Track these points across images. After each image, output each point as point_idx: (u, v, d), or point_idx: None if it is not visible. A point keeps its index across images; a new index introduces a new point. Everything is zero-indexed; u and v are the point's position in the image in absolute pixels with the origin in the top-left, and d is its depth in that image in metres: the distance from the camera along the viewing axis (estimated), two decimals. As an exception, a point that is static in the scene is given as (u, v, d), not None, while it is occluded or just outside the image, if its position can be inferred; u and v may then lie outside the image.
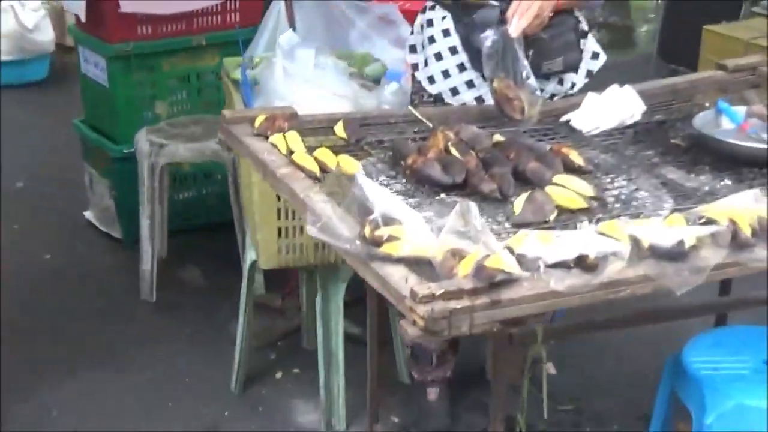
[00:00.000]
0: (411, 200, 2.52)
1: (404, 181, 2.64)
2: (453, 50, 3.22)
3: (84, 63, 4.82)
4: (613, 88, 3.07)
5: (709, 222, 2.29)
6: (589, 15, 9.63)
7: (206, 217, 4.85)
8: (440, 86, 3.25)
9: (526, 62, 2.95)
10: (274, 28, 3.91)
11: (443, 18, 3.22)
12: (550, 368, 3.78)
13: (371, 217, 2.19)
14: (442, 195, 2.55)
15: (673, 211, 2.47)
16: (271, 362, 3.99)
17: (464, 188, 2.57)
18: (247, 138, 2.78)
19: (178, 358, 4.00)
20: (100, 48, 4.60)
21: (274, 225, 3.27)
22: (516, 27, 2.93)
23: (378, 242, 2.16)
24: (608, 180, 2.70)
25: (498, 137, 2.86)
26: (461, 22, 3.17)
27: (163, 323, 4.24)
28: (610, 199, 2.58)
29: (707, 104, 3.18)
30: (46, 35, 7.23)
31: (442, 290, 2.02)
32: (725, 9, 6.20)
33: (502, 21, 2.99)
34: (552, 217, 2.41)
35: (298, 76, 3.29)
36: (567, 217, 2.44)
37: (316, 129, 2.93)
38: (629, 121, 3.03)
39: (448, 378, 3.65)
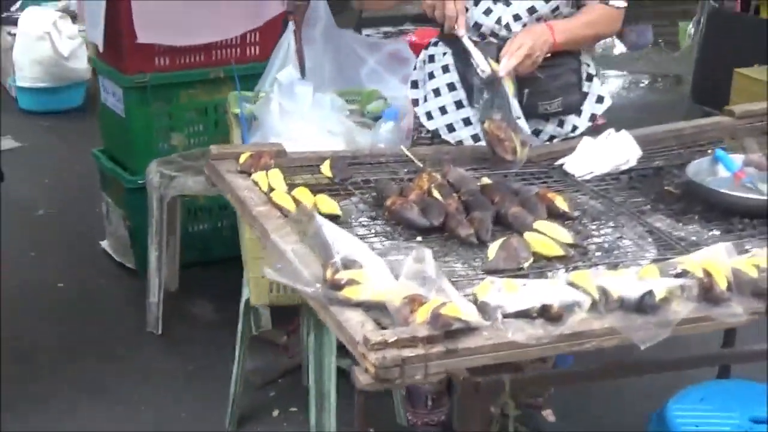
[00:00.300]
0: (387, 243, 2.49)
1: (384, 222, 2.59)
2: (451, 87, 3.19)
3: (104, 92, 4.85)
4: (609, 133, 3.01)
5: (684, 274, 2.23)
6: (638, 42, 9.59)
7: (221, 250, 4.81)
8: (437, 122, 3.22)
9: (516, 103, 2.91)
10: (282, 63, 3.90)
11: (444, 54, 3.20)
12: (549, 415, 3.71)
13: (332, 260, 2.15)
14: (419, 238, 2.50)
15: (654, 261, 2.41)
16: (270, 400, 3.95)
17: (443, 231, 2.53)
18: (230, 175, 2.76)
19: (177, 394, 3.97)
20: (117, 78, 4.62)
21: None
22: (504, 66, 2.89)
23: (338, 286, 2.12)
24: (594, 227, 2.65)
25: (486, 180, 2.82)
26: (461, 59, 3.13)
27: (167, 357, 4.22)
28: (592, 247, 2.53)
29: (709, 151, 3.11)
30: (82, 63, 7.28)
31: (396, 337, 1.98)
32: (758, 52, 6.08)
33: (498, 59, 2.96)
34: (526, 264, 2.36)
35: (294, 112, 3.27)
36: (543, 265, 2.39)
37: (304, 167, 2.90)
38: (624, 167, 2.98)
39: (443, 422, 3.58)
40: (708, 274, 2.22)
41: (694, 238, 2.59)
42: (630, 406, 3.81)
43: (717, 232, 2.62)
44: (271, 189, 2.65)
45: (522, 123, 2.92)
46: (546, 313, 2.10)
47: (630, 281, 2.20)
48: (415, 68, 3.33)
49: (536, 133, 3.19)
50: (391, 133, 3.38)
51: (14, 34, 7.30)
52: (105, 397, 3.94)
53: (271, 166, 2.77)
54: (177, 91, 4.65)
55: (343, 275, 2.13)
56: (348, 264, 2.18)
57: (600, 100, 3.27)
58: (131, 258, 4.83)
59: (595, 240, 2.56)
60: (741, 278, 2.24)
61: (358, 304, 2.12)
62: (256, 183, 2.69)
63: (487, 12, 3.04)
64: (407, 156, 3.01)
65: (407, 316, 2.05)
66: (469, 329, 2.05)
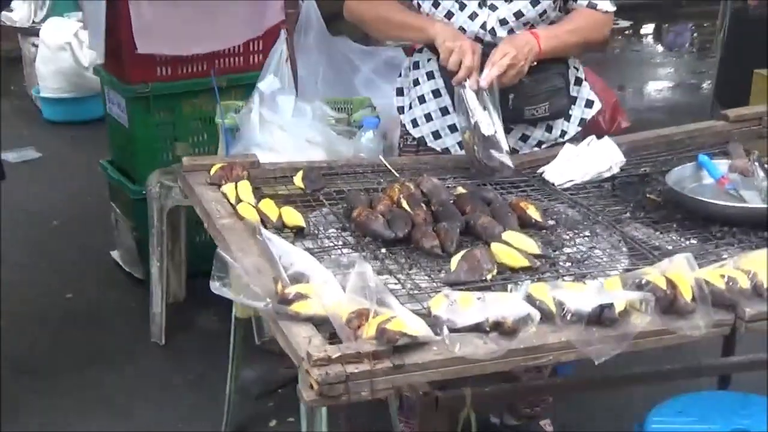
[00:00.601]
0: (354, 255, 2.45)
1: (350, 234, 2.56)
2: (436, 93, 3.13)
3: (109, 103, 4.85)
4: (591, 140, 2.95)
5: (648, 285, 2.17)
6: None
7: (228, 259, 4.77)
8: (423, 130, 3.17)
9: (496, 115, 2.85)
10: (275, 71, 3.86)
11: (429, 60, 3.14)
12: (547, 425, 3.65)
13: (279, 275, 2.12)
14: (383, 250, 2.46)
15: (625, 271, 2.35)
16: (269, 410, 3.92)
17: (409, 243, 2.48)
18: (200, 187, 2.74)
19: (174, 404, 3.96)
20: (120, 88, 4.61)
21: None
22: (486, 77, 2.83)
23: (287, 300, 2.09)
24: (568, 236, 2.59)
25: (460, 189, 2.77)
26: (445, 66, 3.07)
27: (168, 367, 4.21)
28: (563, 258, 2.47)
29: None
30: (104, 74, 7.28)
31: (339, 353, 1.94)
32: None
33: (483, 67, 2.90)
34: (489, 276, 2.31)
35: (273, 123, 3.23)
36: (508, 276, 2.34)
37: (278, 178, 2.87)
38: (607, 174, 2.92)
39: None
40: (673, 285, 2.16)
41: (670, 247, 2.53)
42: (631, 416, 3.72)
43: (694, 241, 2.56)
44: (240, 201, 2.61)
45: (501, 137, 2.85)
46: (499, 327, 2.05)
47: (590, 294, 2.14)
48: (400, 75, 3.28)
49: (524, 138, 3.13)
50: (372, 142, 3.33)
51: (37, 45, 7.32)
52: (104, 406, 3.95)
53: (243, 178, 2.74)
54: (180, 100, 4.62)
55: (292, 290, 2.09)
56: (298, 278, 2.14)
57: (589, 104, 3.20)
58: (139, 268, 4.82)
59: (567, 250, 2.51)
60: (707, 289, 2.17)
61: (308, 319, 2.07)
62: (225, 195, 2.65)
63: (473, 16, 2.98)
64: (386, 166, 2.95)
65: (355, 330, 2.01)
66: (419, 344, 2.00)
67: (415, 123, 3.17)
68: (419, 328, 1.99)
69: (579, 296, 2.12)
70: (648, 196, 2.79)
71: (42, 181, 6.15)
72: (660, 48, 10.70)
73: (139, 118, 4.61)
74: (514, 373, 2.97)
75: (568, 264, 2.44)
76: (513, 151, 3.08)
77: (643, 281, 2.16)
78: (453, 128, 3.11)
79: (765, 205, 2.64)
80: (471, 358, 1.99)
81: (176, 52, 4.50)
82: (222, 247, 2.42)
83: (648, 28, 11.19)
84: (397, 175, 2.88)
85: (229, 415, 3.68)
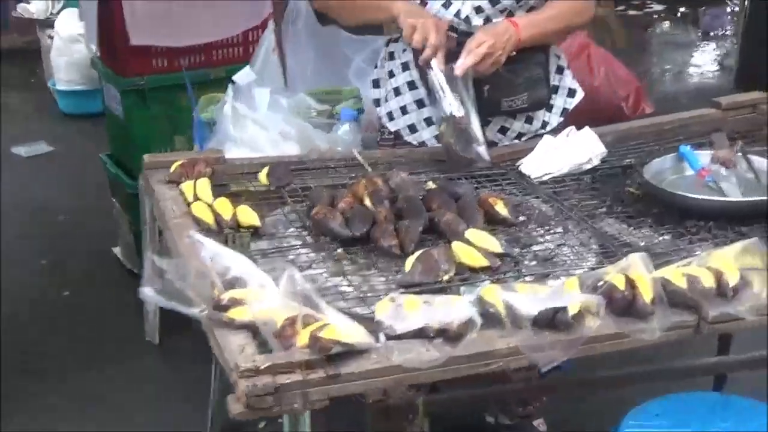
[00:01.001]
0: (311, 255, 2.36)
1: (308, 233, 2.46)
2: (411, 85, 3.02)
3: (106, 96, 4.78)
4: (570, 131, 2.83)
5: (607, 286, 2.05)
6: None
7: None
8: (399, 123, 3.06)
9: (471, 105, 2.74)
10: (263, 63, 3.77)
11: (404, 50, 3.02)
12: (541, 425, 3.54)
13: (214, 280, 2.03)
14: (340, 250, 2.37)
15: (591, 270, 2.24)
16: (259, 411, 3.82)
17: (368, 242, 2.39)
18: (159, 185, 2.65)
19: (161, 405, 3.89)
20: (115, 81, 4.54)
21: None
22: (460, 65, 2.71)
23: (222, 307, 2.00)
24: (539, 233, 2.49)
25: (431, 184, 2.66)
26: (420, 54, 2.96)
27: (160, 367, 4.15)
28: (529, 256, 2.36)
29: (687, 147, 2.91)
30: (118, 65, 7.22)
31: (269, 363, 1.85)
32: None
33: (457, 55, 2.78)
34: (446, 277, 2.20)
35: (247, 117, 3.13)
36: (467, 277, 2.24)
37: (245, 174, 2.78)
38: (587, 166, 2.80)
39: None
40: (632, 285, 2.05)
41: (642, 243, 2.42)
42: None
43: (668, 237, 2.45)
44: (198, 199, 2.52)
45: (476, 127, 2.74)
46: (444, 333, 1.95)
47: (545, 296, 2.03)
48: (376, 66, 3.17)
49: (503, 130, 3.01)
50: (349, 134, 3.23)
51: (53, 37, 7.28)
52: (96, 405, 3.90)
53: (206, 175, 2.65)
54: (177, 93, 4.51)
55: (226, 295, 2.00)
56: (235, 283, 2.05)
57: (572, 93, 3.08)
58: (139, 264, 4.74)
59: (535, 248, 2.41)
60: (668, 289, 2.06)
61: (245, 326, 1.98)
62: (182, 193, 2.56)
63: (447, 4, 2.86)
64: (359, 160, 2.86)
65: (289, 338, 1.92)
66: (357, 352, 1.91)
67: (391, 116, 3.07)
68: (356, 336, 1.90)
69: (532, 299, 2.01)
70: (627, 189, 2.67)
71: (51, 175, 6.10)
72: (695, 32, 10.47)
73: (135, 112, 4.53)
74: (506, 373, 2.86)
75: (533, 263, 2.33)
76: (492, 144, 2.97)
77: (600, 282, 2.05)
78: (429, 121, 3.00)
79: (742, 198, 2.50)
80: (408, 366, 1.88)
81: (171, 43, 4.42)
82: (172, 248, 2.34)
83: (683, 12, 10.97)
84: (369, 169, 2.78)
85: (215, 416, 3.59)
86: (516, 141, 3.02)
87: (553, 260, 2.34)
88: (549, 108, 3.02)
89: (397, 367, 1.90)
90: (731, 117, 3.15)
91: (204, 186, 2.55)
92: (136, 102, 4.51)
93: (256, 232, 2.43)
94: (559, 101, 3.05)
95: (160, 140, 4.58)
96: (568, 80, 3.07)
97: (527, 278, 2.24)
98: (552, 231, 2.48)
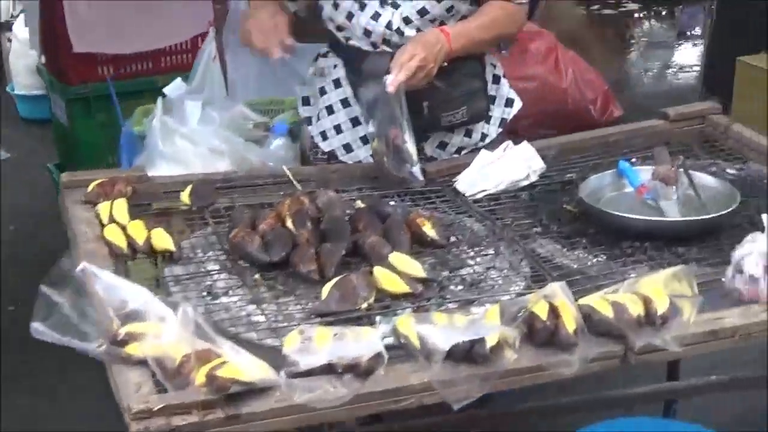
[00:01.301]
0: (230, 281, 2.26)
1: (227, 258, 2.36)
2: (345, 103, 2.90)
3: (53, 104, 4.65)
4: (508, 145, 2.73)
5: (529, 316, 1.96)
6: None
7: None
8: (333, 143, 2.94)
9: (403, 122, 2.63)
10: (203, 73, 3.64)
11: (335, 66, 2.91)
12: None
13: (109, 314, 1.92)
14: (257, 276, 2.26)
15: (518, 296, 2.14)
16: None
17: (288, 267, 2.28)
18: (74, 206, 2.54)
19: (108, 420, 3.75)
20: (60, 90, 4.42)
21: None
22: (392, 82, 2.59)
23: (120, 342, 1.89)
24: (469, 255, 2.38)
25: (360, 204, 2.56)
26: (353, 71, 2.85)
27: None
28: (456, 280, 2.26)
29: (633, 160, 2.82)
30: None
31: (163, 404, 1.75)
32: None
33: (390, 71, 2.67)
34: (365, 305, 2.10)
35: (176, 131, 3.02)
36: (388, 304, 2.14)
37: (169, 193, 2.67)
38: (525, 182, 2.69)
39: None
40: (556, 314, 1.95)
41: (576, 266, 2.32)
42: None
43: (603, 258, 2.35)
44: (114, 221, 2.41)
45: (410, 147, 2.63)
46: (354, 368, 1.85)
47: (463, 326, 1.94)
48: (304, 83, 3.05)
49: (442, 146, 2.90)
50: (283, 149, 3.11)
51: (11, 40, 7.14)
52: (40, 421, 3.80)
53: (126, 195, 2.54)
54: (123, 102, 4.39)
55: (123, 330, 1.89)
56: (135, 316, 1.94)
57: (510, 103, 2.96)
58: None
59: (463, 271, 2.31)
60: (594, 318, 1.96)
61: (143, 362, 1.87)
62: (98, 215, 2.45)
63: (376, 16, 2.75)
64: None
65: (188, 376, 1.81)
66: (260, 390, 1.80)
67: (324, 135, 2.94)
68: (257, 373, 1.80)
69: (447, 330, 1.91)
70: (565, 206, 2.57)
71: (5, 183, 5.95)
72: (672, 31, 10.37)
73: (79, 120, 4.42)
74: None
75: (459, 287, 2.23)
76: (431, 159, 2.87)
77: (522, 311, 1.95)
78: (365, 140, 2.86)
79: (680, 218, 2.41)
80: (309, 405, 1.77)
81: (115, 50, 4.31)
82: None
83: (659, 11, 10.87)
84: (299, 187, 2.67)
85: None
86: (456, 155, 2.91)
87: (480, 285, 2.24)
88: (487, 120, 2.91)
89: (302, 406, 1.79)
90: (679, 129, 3.04)
91: (121, 207, 2.44)
92: (81, 111, 4.40)
93: (169, 257, 2.31)
94: (497, 112, 2.94)
95: (105, 150, 4.44)
96: (506, 89, 2.96)
97: (451, 305, 2.14)
98: (483, 253, 2.38)
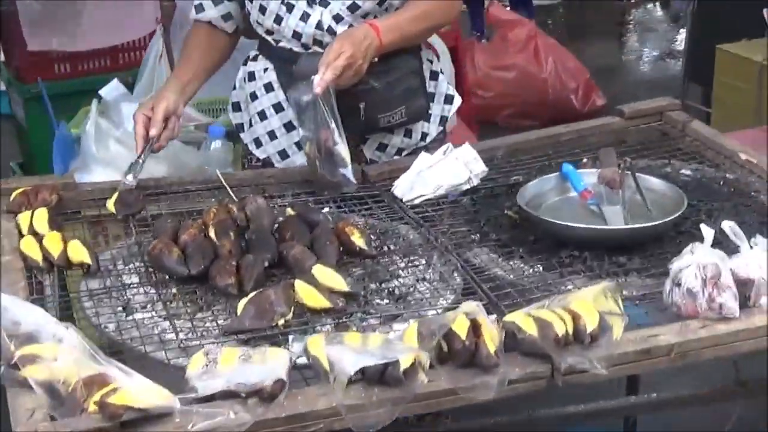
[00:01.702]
0: (149, 294, 2.17)
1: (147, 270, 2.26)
2: (278, 107, 2.78)
3: (12, 101, 4.56)
4: (448, 148, 2.62)
5: (448, 335, 1.86)
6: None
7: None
8: (268, 150, 2.82)
9: (333, 124, 2.52)
10: (151, 72, 3.53)
11: (265, 70, 2.78)
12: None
13: (4, 335, 1.82)
14: (174, 290, 2.17)
15: (445, 310, 2.04)
16: None
17: (206, 279, 2.19)
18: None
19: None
20: (17, 88, 4.32)
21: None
22: (319, 82, 2.48)
23: (15, 365, 1.79)
24: (401, 265, 2.29)
25: (290, 211, 2.46)
26: (284, 74, 2.74)
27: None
28: (384, 293, 2.17)
29: (584, 160, 2.72)
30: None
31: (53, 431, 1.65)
32: (750, 25, 5.54)
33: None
34: (282, 321, 2.01)
35: (110, 134, 2.91)
36: (307, 320, 2.04)
37: (97, 200, 2.57)
38: (466, 186, 2.59)
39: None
40: (477, 333, 1.85)
41: (511, 277, 2.21)
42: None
43: (540, 268, 2.25)
44: (35, 233, 2.31)
45: (342, 149, 2.53)
46: (259, 393, 1.75)
47: (376, 347, 1.83)
48: (235, 88, 2.94)
49: (381, 148, 2.80)
50: (221, 152, 3.00)
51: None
52: None
53: (51, 203, 2.44)
54: (80, 100, 4.26)
55: (19, 352, 1.79)
56: (32, 337, 1.84)
57: (449, 99, 2.85)
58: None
59: (392, 283, 2.21)
60: (518, 337, 1.87)
61: (41, 386, 1.78)
62: (18, 226, 2.36)
63: (305, 17, 2.63)
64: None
65: (82, 402, 1.72)
66: (158, 416, 1.70)
67: (258, 142, 2.83)
68: (151, 399, 1.69)
69: (359, 352, 1.81)
70: (506, 212, 2.46)
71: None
72: (665, 17, 10.26)
73: (36, 120, 4.31)
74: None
75: (386, 301, 2.13)
76: (371, 162, 2.77)
77: (440, 330, 1.85)
78: (300, 145, 2.76)
79: (621, 226, 2.30)
80: (209, 433, 1.67)
81: (71, 47, 4.20)
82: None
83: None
84: (231, 193, 2.57)
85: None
86: (396, 157, 2.80)
87: (408, 299, 2.14)
88: (427, 118, 2.80)
89: (204, 433, 1.70)
90: (634, 127, 2.94)
91: (41, 217, 2.34)
92: (38, 109, 4.28)
93: (86, 271, 2.22)
94: (437, 109, 2.83)
95: (64, 150, 4.34)
96: (444, 86, 2.85)
97: (373, 320, 2.04)
98: (414, 263, 2.29)
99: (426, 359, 1.80)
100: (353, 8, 2.59)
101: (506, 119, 6.73)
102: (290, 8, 2.61)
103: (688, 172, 2.69)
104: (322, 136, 2.50)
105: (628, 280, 2.18)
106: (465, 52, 6.42)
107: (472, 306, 1.85)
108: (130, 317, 2.09)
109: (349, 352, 1.81)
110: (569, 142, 2.88)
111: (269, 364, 1.79)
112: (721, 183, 2.61)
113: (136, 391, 1.70)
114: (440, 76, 2.84)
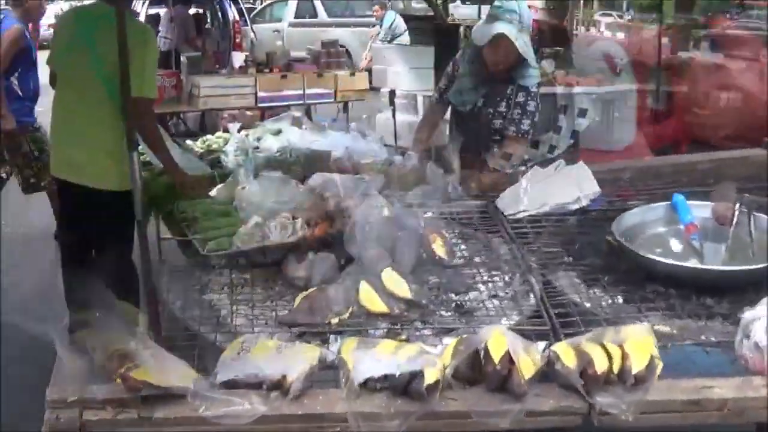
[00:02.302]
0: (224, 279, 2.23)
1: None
2: None
3: None
4: (560, 164, 2.56)
5: (483, 355, 1.83)
6: None
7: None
8: None
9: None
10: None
11: None
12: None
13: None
14: (248, 275, 2.23)
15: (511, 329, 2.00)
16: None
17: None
18: None
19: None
20: None
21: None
22: None
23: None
24: (482, 278, 2.26)
25: (386, 212, 2.47)
26: None
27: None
28: (453, 305, 2.15)
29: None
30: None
31: (76, 397, 1.73)
32: None
33: None
34: (336, 320, 2.04)
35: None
36: (362, 321, 2.05)
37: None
38: (574, 206, 2.52)
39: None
40: (511, 359, 1.80)
41: (587, 305, 2.14)
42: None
43: (620, 300, 2.17)
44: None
45: (453, 157, 2.53)
46: (281, 386, 1.78)
47: (408, 358, 1.82)
48: None
49: (506, 157, 2.78)
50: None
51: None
52: None
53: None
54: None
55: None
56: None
57: (582, 113, 2.82)
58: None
59: (465, 296, 2.19)
60: (555, 368, 1.81)
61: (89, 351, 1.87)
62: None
63: None
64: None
65: (113, 373, 1.79)
66: (178, 397, 1.76)
67: None
68: (170, 379, 1.75)
69: (385, 360, 1.81)
70: (607, 237, 2.39)
71: None
72: None
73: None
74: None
75: (449, 314, 2.11)
76: (494, 171, 2.75)
77: (476, 350, 1.82)
78: None
79: (711, 266, 2.19)
80: (214, 420, 1.72)
81: None
82: None
83: None
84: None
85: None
86: (522, 167, 2.77)
87: (474, 314, 2.11)
88: (557, 130, 2.75)
89: (221, 416, 1.74)
90: (776, 159, 2.79)
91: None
92: None
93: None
94: (567, 122, 2.78)
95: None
96: (578, 99, 2.80)
97: (426, 331, 2.03)
98: (494, 278, 2.26)
99: (449, 378, 1.77)
100: None
101: (721, 141, 6.48)
102: None
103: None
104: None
105: (709, 324, 2.05)
106: (682, 68, 6.22)
107: (491, 330, 1.81)
108: (203, 297, 2.15)
109: (371, 360, 1.80)
110: (704, 171, 2.75)
111: (296, 360, 1.80)
112: None
113: (157, 369, 1.75)
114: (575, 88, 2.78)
